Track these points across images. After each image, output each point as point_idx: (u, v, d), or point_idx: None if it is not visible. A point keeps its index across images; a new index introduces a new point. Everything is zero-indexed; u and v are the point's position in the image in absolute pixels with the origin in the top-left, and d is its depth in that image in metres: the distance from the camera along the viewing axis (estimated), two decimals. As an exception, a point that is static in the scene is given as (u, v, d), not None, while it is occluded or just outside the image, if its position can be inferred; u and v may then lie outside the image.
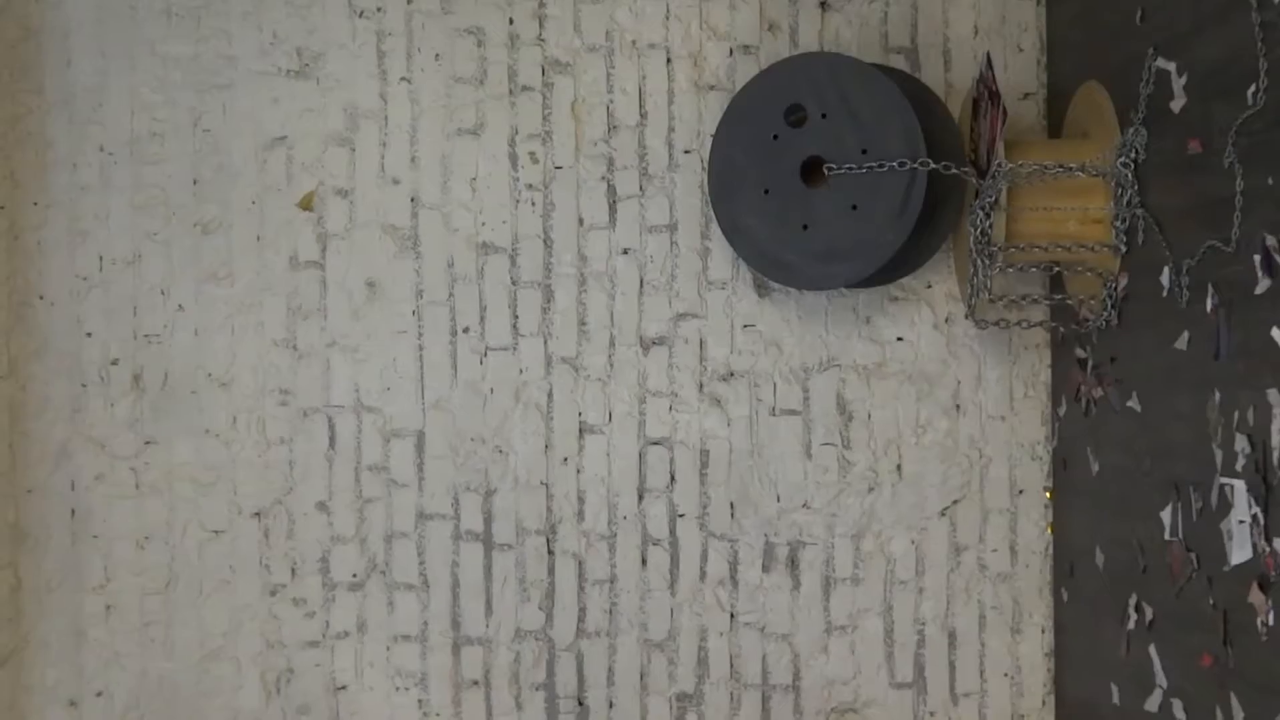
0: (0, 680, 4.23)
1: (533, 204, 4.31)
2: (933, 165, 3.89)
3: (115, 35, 4.28)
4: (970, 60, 4.29)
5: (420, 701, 4.27)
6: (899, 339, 4.31)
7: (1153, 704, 3.54)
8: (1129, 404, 3.69)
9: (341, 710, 4.27)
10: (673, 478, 4.28)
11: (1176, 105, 3.42)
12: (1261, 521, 3.04)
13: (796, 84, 3.97)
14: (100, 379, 4.26)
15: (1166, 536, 3.45)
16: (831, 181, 3.94)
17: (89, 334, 4.27)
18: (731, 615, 4.30)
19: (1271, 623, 3.00)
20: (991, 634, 4.30)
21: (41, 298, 4.27)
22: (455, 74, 4.31)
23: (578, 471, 4.27)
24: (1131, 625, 3.67)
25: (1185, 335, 3.38)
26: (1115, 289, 3.78)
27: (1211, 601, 3.23)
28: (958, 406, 4.30)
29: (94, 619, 4.24)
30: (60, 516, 4.24)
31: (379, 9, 4.31)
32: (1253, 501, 3.04)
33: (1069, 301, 4.03)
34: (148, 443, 4.26)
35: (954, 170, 3.91)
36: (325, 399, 4.28)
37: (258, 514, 4.27)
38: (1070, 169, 3.79)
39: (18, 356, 4.26)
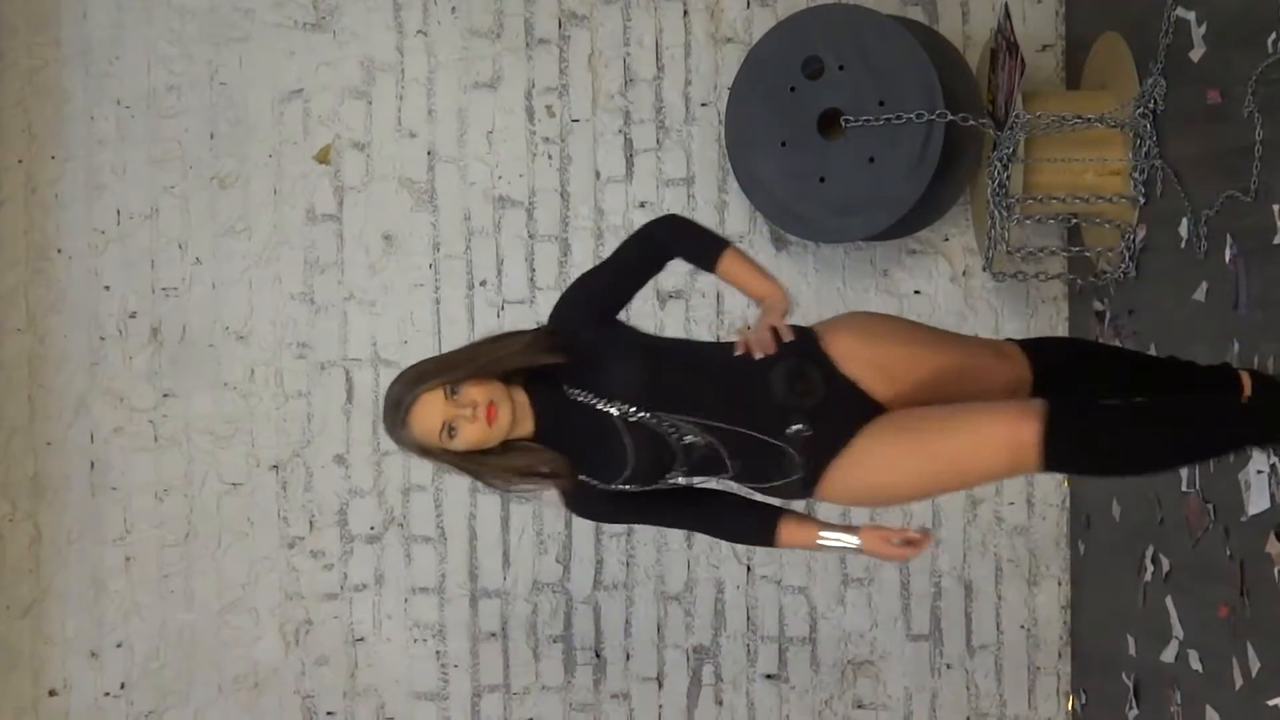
0: (21, 631, 4.26)
1: (549, 157, 4.31)
2: (950, 117, 3.87)
3: (131, -12, 4.28)
4: (988, 12, 4.27)
5: (438, 653, 4.30)
6: (916, 292, 4.31)
7: (1169, 655, 3.55)
8: (1146, 356, 3.68)
9: (360, 661, 4.29)
10: (689, 431, 4.28)
11: (1196, 55, 3.40)
12: (1279, 472, 3.04)
13: (814, 36, 3.95)
14: (118, 332, 4.28)
15: (1184, 488, 3.45)
16: (849, 134, 3.93)
17: (107, 287, 4.28)
18: (748, 568, 4.31)
19: (1288, 572, 3.01)
20: (1008, 586, 4.31)
21: (59, 251, 4.28)
22: (472, 27, 4.30)
23: (594, 425, 4.28)
24: (1148, 577, 3.67)
25: (1204, 286, 3.37)
26: (1133, 240, 3.77)
27: (1228, 552, 3.23)
28: (974, 360, 4.29)
29: (113, 570, 4.27)
30: (79, 469, 4.26)
31: (395, -39, 4.30)
32: (1271, 452, 3.04)
33: (1087, 253, 4.02)
34: (166, 395, 4.28)
35: (971, 122, 3.90)
36: (342, 352, 4.29)
37: (275, 467, 4.29)
38: (1088, 120, 3.77)
39: (36, 310, 4.27)
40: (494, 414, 2.69)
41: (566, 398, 2.76)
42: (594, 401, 2.75)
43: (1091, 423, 2.69)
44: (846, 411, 2.77)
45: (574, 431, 2.76)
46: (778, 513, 2.86)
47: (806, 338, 2.81)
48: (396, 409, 2.71)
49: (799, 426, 2.74)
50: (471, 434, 2.68)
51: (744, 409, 2.75)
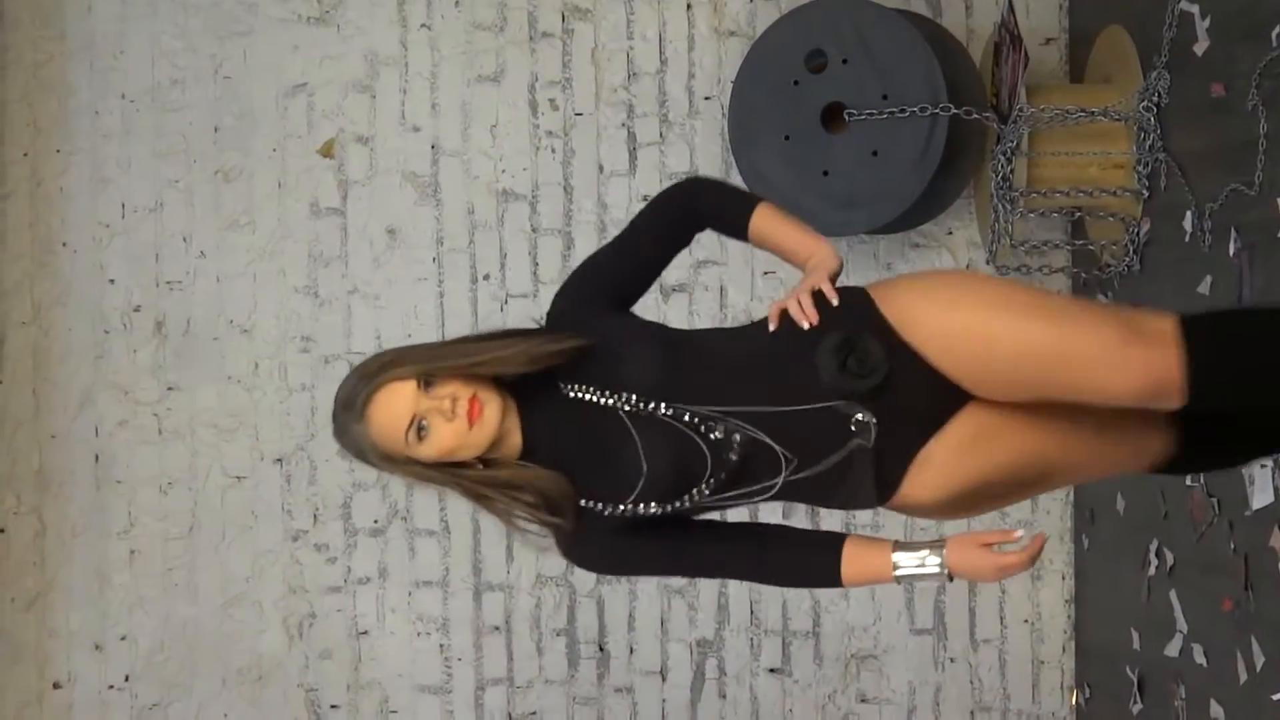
0: (26, 624, 4.27)
1: (553, 151, 4.31)
2: (954, 110, 3.87)
3: (135, -18, 4.29)
4: (991, 5, 4.26)
5: (442, 646, 4.30)
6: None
7: (1173, 649, 3.55)
8: (1150, 350, 3.67)
9: (363, 654, 4.30)
10: (693, 425, 4.28)
11: (1199, 48, 3.40)
12: (1282, 465, 3.03)
13: (817, 29, 3.95)
14: (123, 326, 4.28)
15: (1188, 482, 3.44)
16: (852, 127, 3.93)
17: (111, 281, 4.29)
18: (751, 562, 4.31)
19: (1291, 566, 3.01)
20: (1011, 580, 4.30)
21: (64, 245, 4.28)
22: (475, 20, 4.30)
23: (598, 418, 4.28)
24: (1152, 571, 3.67)
25: (1208, 279, 3.36)
26: (1137, 234, 3.76)
27: (1232, 546, 3.23)
28: (978, 354, 4.29)
29: (118, 564, 4.28)
30: (84, 462, 4.27)
31: (399, -45, 4.31)
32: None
33: (1091, 247, 4.01)
34: (170, 389, 4.28)
35: (975, 116, 3.90)
36: (346, 345, 4.29)
37: (279, 460, 4.30)
38: (1092, 114, 3.77)
39: (41, 303, 4.28)
40: (477, 412, 2.17)
41: (562, 398, 2.25)
42: (596, 396, 2.22)
43: None
44: (923, 392, 2.23)
45: (572, 440, 2.24)
46: (838, 541, 2.28)
47: (858, 300, 2.27)
48: (352, 399, 2.20)
49: (861, 416, 2.20)
50: (446, 436, 2.16)
51: (785, 395, 2.21)
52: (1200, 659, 3.41)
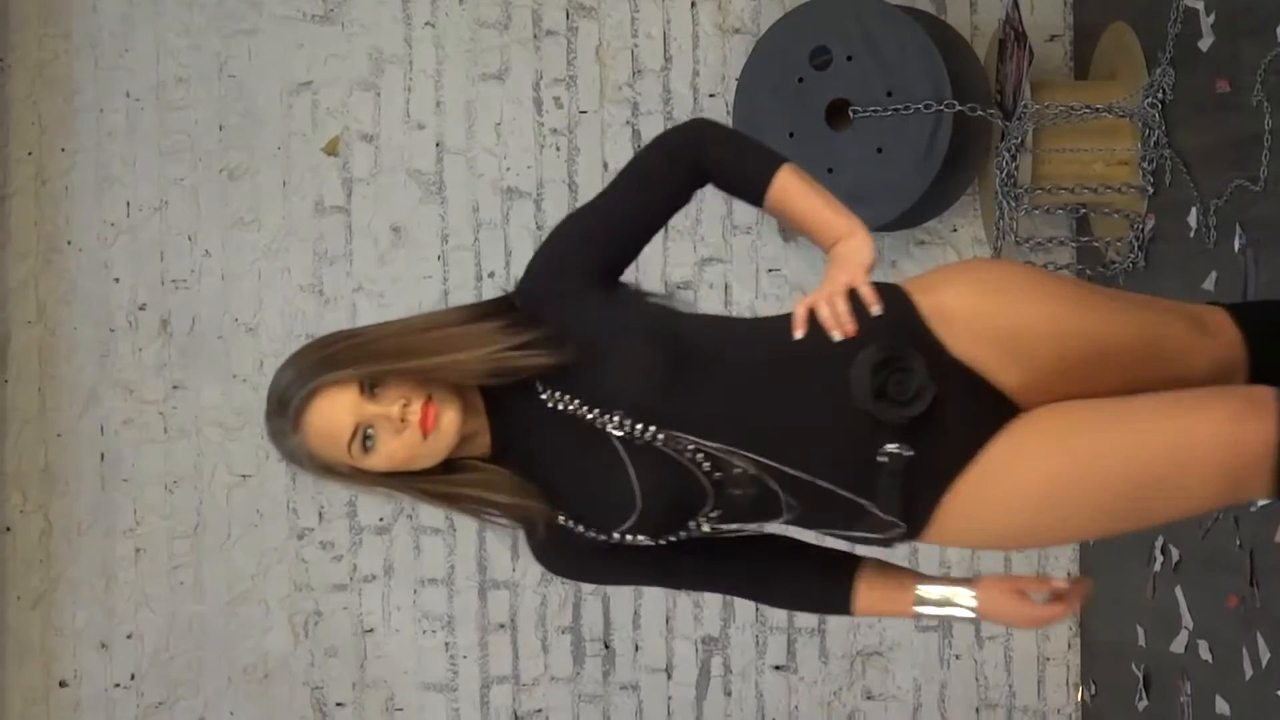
0: (31, 622, 4.27)
1: (557, 149, 4.31)
2: (958, 107, 3.87)
3: (140, -19, 4.29)
4: (996, 2, 4.26)
5: (447, 644, 4.31)
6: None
7: (1178, 645, 3.54)
8: (1155, 346, 3.67)
9: (369, 652, 4.30)
10: (698, 422, 4.28)
11: (1204, 44, 3.40)
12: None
13: (822, 26, 3.95)
14: (128, 324, 4.29)
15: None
16: (856, 124, 3.93)
17: (117, 279, 4.29)
18: (756, 559, 4.31)
19: (1297, 561, 3.00)
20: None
21: (70, 243, 4.29)
22: (479, 18, 4.30)
23: (603, 416, 4.28)
24: (1157, 567, 3.67)
25: (1213, 276, 3.36)
26: (1142, 230, 3.76)
27: (1238, 542, 3.23)
28: (983, 351, 4.29)
29: (124, 562, 4.28)
30: (90, 460, 4.27)
31: (403, -47, 4.31)
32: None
33: (1095, 244, 4.01)
34: (176, 387, 4.29)
35: (980, 112, 3.89)
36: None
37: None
38: (1097, 110, 3.77)
39: (46, 302, 4.28)
40: (433, 419, 1.85)
41: (538, 403, 1.91)
42: (583, 411, 1.89)
43: None
44: (966, 414, 1.91)
45: (551, 452, 1.92)
46: (852, 567, 2.00)
47: (897, 303, 1.93)
48: (283, 404, 1.88)
49: (895, 448, 1.88)
50: (396, 449, 1.86)
51: (806, 429, 1.89)
52: (1206, 655, 3.41)
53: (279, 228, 4.29)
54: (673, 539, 1.94)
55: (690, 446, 1.89)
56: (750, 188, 1.97)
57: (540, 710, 4.30)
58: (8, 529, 4.26)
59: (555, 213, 4.29)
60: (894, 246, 4.29)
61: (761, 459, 1.89)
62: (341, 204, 4.31)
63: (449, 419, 1.87)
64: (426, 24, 4.30)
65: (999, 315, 1.92)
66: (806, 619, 4.29)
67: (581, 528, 1.94)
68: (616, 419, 1.89)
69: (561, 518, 1.95)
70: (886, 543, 1.98)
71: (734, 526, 1.96)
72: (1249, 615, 3.18)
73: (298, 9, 4.30)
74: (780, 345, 1.91)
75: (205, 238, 4.30)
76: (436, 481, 1.93)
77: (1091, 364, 1.92)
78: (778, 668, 4.30)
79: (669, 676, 4.30)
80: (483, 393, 1.94)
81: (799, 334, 1.84)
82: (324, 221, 4.30)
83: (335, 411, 1.85)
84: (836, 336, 1.81)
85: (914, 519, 1.94)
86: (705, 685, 4.30)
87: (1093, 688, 4.21)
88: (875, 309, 1.82)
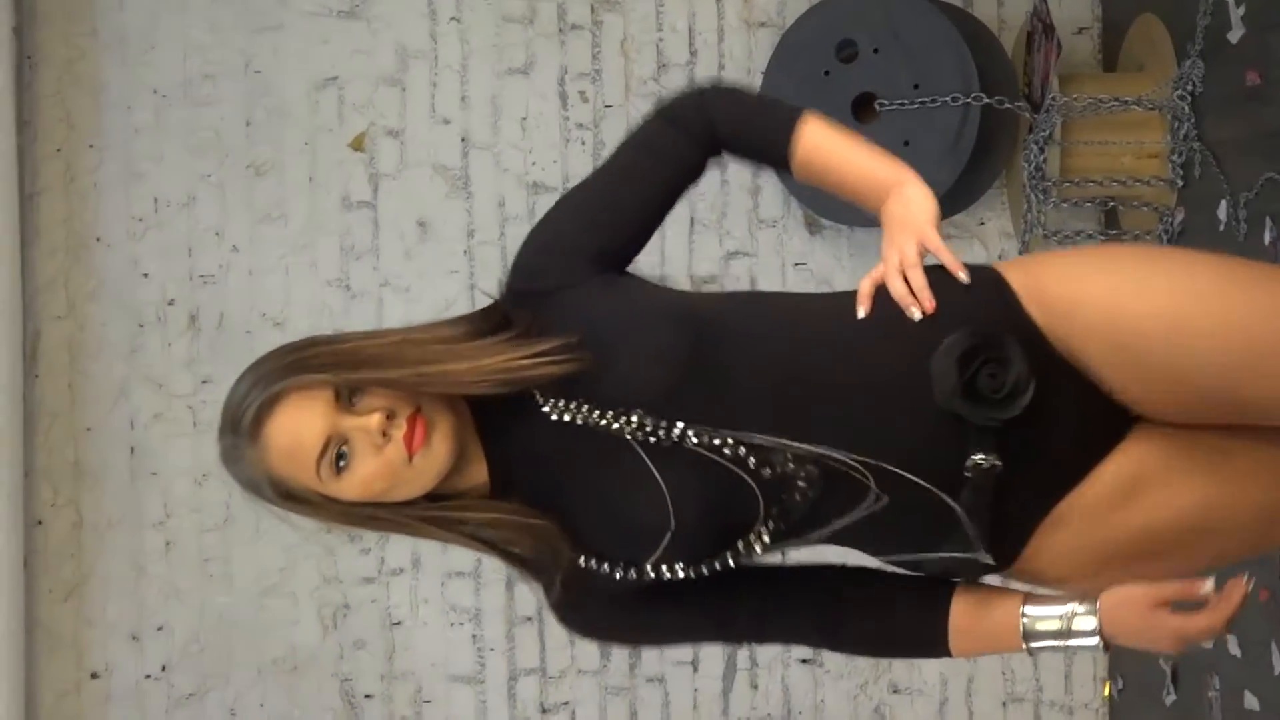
0: (63, 614, 4.30)
1: (583, 143, 4.31)
2: (986, 100, 3.85)
3: (167, -23, 4.31)
4: (1024, -7, 4.25)
5: (474, 637, 4.32)
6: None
7: (1207, 641, 3.53)
8: (1184, 340, 3.66)
9: (397, 645, 4.32)
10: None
11: (1234, 36, 3.38)
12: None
13: (848, 19, 3.94)
14: (157, 319, 4.31)
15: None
16: (883, 117, 3.92)
17: (145, 275, 4.31)
18: (781, 551, 4.31)
19: (1326, 559, 2.99)
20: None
21: (98, 239, 4.31)
22: (504, 13, 4.30)
23: (629, 410, 4.29)
24: (1185, 562, 3.65)
25: (1241, 270, 3.34)
26: (1171, 224, 3.74)
27: (1266, 538, 3.21)
28: (1011, 344, 4.28)
29: (153, 555, 4.30)
30: (119, 454, 4.30)
31: (428, -53, 4.31)
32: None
33: (1124, 237, 3.99)
34: (204, 381, 4.30)
35: (1007, 105, 3.88)
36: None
37: (313, 452, 4.31)
38: (1126, 103, 3.75)
39: (76, 297, 4.30)
40: (421, 436, 1.53)
41: (540, 417, 1.58)
42: (595, 418, 1.55)
43: None
44: (1070, 420, 1.55)
45: (561, 478, 1.58)
46: (944, 594, 1.60)
47: (989, 284, 1.61)
48: (239, 415, 1.60)
49: (982, 459, 1.52)
50: (375, 471, 1.53)
51: (875, 423, 1.53)
52: (1235, 650, 3.40)
53: (305, 223, 4.31)
54: (719, 568, 1.58)
55: (730, 441, 1.52)
56: (773, 148, 1.65)
57: (567, 703, 4.32)
58: (39, 523, 4.29)
59: (581, 207, 4.29)
60: (921, 239, 4.28)
61: (822, 450, 1.52)
62: (368, 199, 4.31)
63: (440, 438, 1.53)
64: (451, 19, 4.31)
65: (1116, 310, 1.52)
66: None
67: (606, 567, 1.57)
68: (635, 419, 1.53)
69: (582, 560, 1.58)
70: (970, 572, 1.61)
71: (794, 541, 1.62)
72: (1279, 611, 3.17)
73: (323, 5, 4.30)
74: (839, 327, 1.57)
75: (232, 233, 4.31)
76: (427, 509, 1.58)
77: (1233, 372, 1.50)
78: (804, 661, 4.30)
79: (695, 669, 4.31)
80: (472, 411, 1.61)
81: (862, 313, 1.56)
82: (350, 216, 4.31)
83: (303, 421, 1.52)
84: (915, 315, 1.52)
85: (1001, 549, 1.57)
86: (731, 678, 4.31)
87: (1120, 682, 4.20)
88: (961, 275, 1.53)
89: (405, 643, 4.32)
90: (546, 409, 1.58)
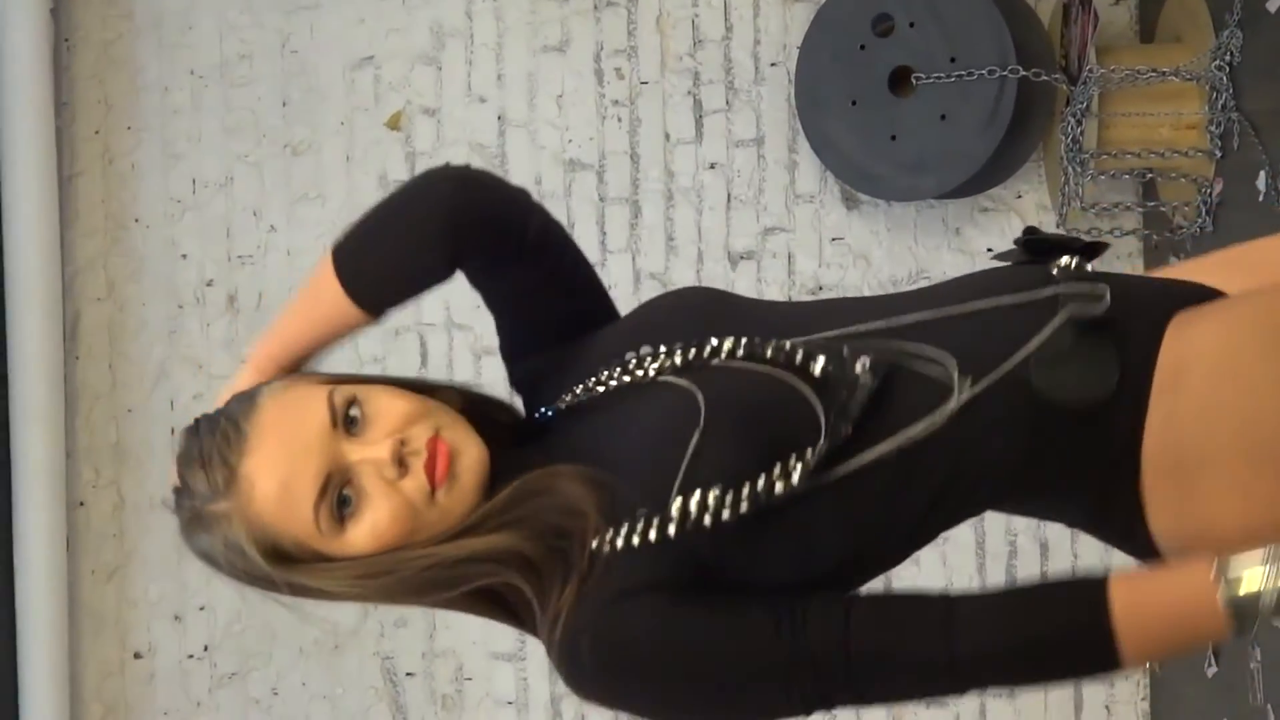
0: (106, 595, 4.33)
1: (619, 120, 4.31)
2: (1023, 73, 3.84)
3: (202, -42, 4.32)
4: (1060, -35, 4.22)
5: (514, 614, 4.33)
6: (989, 250, 4.28)
7: (1247, 612, 3.52)
8: (1224, 311, 3.64)
9: (437, 623, 4.33)
10: (762, 392, 4.28)
11: (1273, 6, 3.36)
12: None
13: (883, -7, 3.93)
14: (196, 300, 4.33)
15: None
16: (920, 91, 3.91)
17: (184, 256, 4.33)
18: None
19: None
20: (1083, 546, 4.28)
21: (137, 221, 4.33)
22: (539, -10, 4.31)
23: (667, 386, 4.29)
24: (1226, 534, 3.64)
25: (1283, 240, 3.33)
26: (1210, 195, 3.73)
27: (1309, 508, 3.20)
28: (1048, 317, 4.26)
29: (195, 535, 4.32)
30: (160, 435, 4.32)
31: (462, -74, 4.31)
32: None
33: (1162, 209, 3.98)
34: (244, 362, 4.32)
35: (1044, 78, 3.86)
36: (417, 317, 4.32)
37: (352, 431, 4.33)
38: (1163, 74, 3.73)
39: (115, 279, 4.33)
40: (445, 460, 1.30)
41: (550, 429, 1.42)
42: (602, 377, 1.36)
43: None
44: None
45: (576, 456, 1.35)
46: (1097, 586, 1.35)
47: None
48: (205, 457, 1.34)
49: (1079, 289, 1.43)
50: (388, 515, 1.31)
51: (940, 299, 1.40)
52: (1277, 622, 3.38)
53: (343, 202, 4.32)
54: (765, 498, 1.27)
55: (771, 343, 1.29)
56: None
57: (607, 679, 4.33)
58: (81, 504, 4.32)
59: (617, 184, 4.29)
60: (958, 213, 4.27)
61: (872, 325, 1.32)
62: (404, 178, 4.31)
63: (470, 462, 1.27)
64: (486, -3, 4.31)
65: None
66: (873, 585, 4.28)
67: (619, 535, 1.27)
68: (646, 351, 1.31)
69: (594, 543, 1.27)
70: (1099, 374, 1.40)
71: (853, 464, 1.33)
72: (1321, 583, 3.16)
73: (358, -16, 4.32)
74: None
75: (270, 213, 4.33)
76: (425, 555, 1.30)
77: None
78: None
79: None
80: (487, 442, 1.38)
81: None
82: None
83: (295, 450, 1.22)
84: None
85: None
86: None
87: (1161, 655, 4.19)
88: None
89: (446, 621, 4.33)
90: (551, 414, 1.40)
